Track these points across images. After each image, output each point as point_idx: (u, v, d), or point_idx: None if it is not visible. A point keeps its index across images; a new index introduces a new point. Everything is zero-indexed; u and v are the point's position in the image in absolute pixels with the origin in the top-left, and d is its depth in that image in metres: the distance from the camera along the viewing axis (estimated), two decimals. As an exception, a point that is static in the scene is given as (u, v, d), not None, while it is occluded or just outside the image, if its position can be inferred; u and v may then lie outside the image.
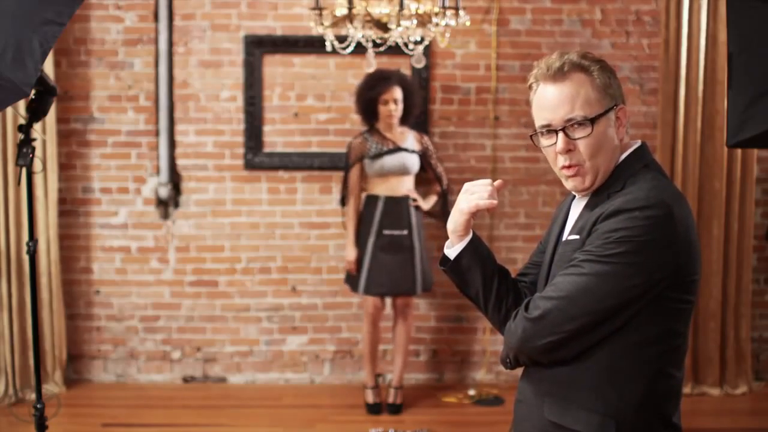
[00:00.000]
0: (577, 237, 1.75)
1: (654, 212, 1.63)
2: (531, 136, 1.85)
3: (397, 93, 4.52)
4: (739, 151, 4.83)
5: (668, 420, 1.72)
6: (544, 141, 1.82)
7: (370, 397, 4.66)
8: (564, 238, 1.81)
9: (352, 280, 4.63)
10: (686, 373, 4.92)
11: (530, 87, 1.86)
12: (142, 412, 4.61)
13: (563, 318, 1.65)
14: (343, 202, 4.70)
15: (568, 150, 1.77)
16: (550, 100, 1.79)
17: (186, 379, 5.12)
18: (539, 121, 1.84)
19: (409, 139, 4.61)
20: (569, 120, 1.76)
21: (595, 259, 1.64)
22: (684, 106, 4.82)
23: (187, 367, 5.12)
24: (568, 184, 1.81)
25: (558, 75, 1.78)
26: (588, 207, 1.78)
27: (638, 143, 1.82)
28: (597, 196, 1.78)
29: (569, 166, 1.77)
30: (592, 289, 1.63)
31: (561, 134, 1.77)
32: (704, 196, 4.89)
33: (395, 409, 4.62)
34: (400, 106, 4.54)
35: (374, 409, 4.63)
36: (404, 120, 4.60)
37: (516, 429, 1.89)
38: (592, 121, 1.73)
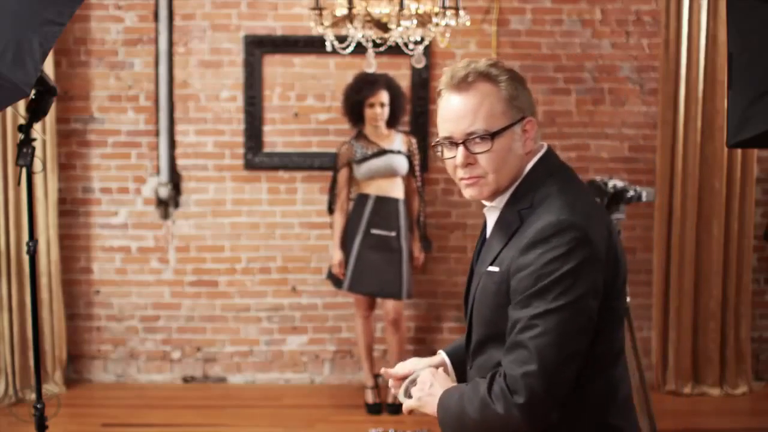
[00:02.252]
0: (497, 270, 1.71)
1: (571, 235, 1.61)
2: (432, 146, 1.79)
3: (384, 96, 4.53)
4: (739, 151, 4.83)
5: (603, 421, 1.72)
6: (446, 153, 1.74)
7: (369, 397, 4.66)
8: (485, 269, 1.75)
9: (334, 277, 4.64)
10: (686, 372, 4.93)
11: (438, 94, 1.77)
12: (142, 412, 4.61)
13: (553, 383, 1.59)
14: (331, 208, 4.71)
15: (468, 164, 1.72)
16: (453, 111, 1.72)
17: (186, 379, 5.11)
18: (441, 132, 1.75)
19: (397, 141, 4.61)
20: (470, 134, 1.70)
21: (543, 311, 1.58)
22: (684, 106, 4.82)
23: (187, 367, 5.12)
24: (466, 193, 1.76)
25: (462, 84, 1.72)
26: (500, 226, 1.74)
27: (542, 150, 1.79)
28: (508, 211, 1.74)
29: (468, 178, 1.73)
30: (560, 341, 1.58)
31: (461, 148, 1.71)
32: (704, 195, 4.89)
33: (395, 409, 4.62)
34: (387, 109, 4.56)
35: (374, 409, 4.63)
36: (391, 122, 4.61)
37: None
38: (494, 135, 1.69)
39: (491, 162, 1.70)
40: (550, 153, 1.80)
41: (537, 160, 1.76)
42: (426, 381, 1.77)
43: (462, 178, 1.73)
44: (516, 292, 1.63)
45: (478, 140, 1.70)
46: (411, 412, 1.84)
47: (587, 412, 1.71)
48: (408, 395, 1.90)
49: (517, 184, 1.75)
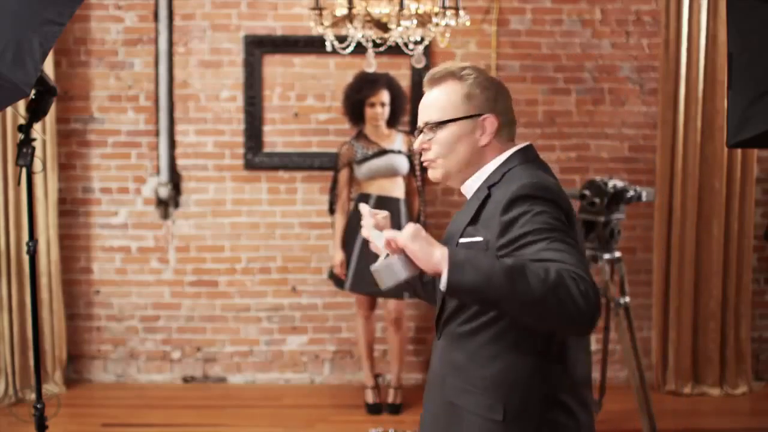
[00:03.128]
0: (480, 239, 1.78)
1: (549, 194, 1.75)
2: (415, 134, 1.98)
3: (384, 96, 4.53)
4: (739, 151, 4.83)
5: (554, 398, 1.77)
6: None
7: (369, 397, 4.66)
8: (455, 241, 1.83)
9: (336, 277, 4.63)
10: (686, 372, 4.93)
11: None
12: (142, 412, 4.61)
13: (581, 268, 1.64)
14: (332, 209, 4.71)
15: (423, 149, 1.94)
16: (422, 103, 1.96)
17: (186, 379, 5.12)
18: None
19: (398, 140, 4.61)
20: (426, 123, 1.92)
21: (547, 246, 1.66)
22: (684, 106, 4.82)
23: (187, 367, 5.12)
24: (429, 173, 1.98)
25: (433, 81, 1.93)
26: (470, 202, 1.87)
27: (520, 146, 1.93)
28: (479, 191, 1.88)
29: (425, 160, 1.95)
30: (574, 257, 1.66)
31: (420, 134, 1.94)
32: (704, 195, 4.89)
33: (395, 409, 4.62)
34: (387, 109, 4.56)
35: (374, 409, 4.63)
36: (391, 122, 4.61)
37: (423, 407, 1.97)
38: (440, 124, 1.88)
39: (438, 148, 1.90)
40: (525, 150, 1.93)
41: (512, 154, 1.91)
42: (418, 228, 1.68)
43: (422, 161, 1.97)
44: (511, 241, 1.70)
45: (428, 129, 1.92)
46: (392, 247, 1.69)
47: (542, 384, 1.77)
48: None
49: (491, 171, 1.90)
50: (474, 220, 1.82)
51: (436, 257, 1.64)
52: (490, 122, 1.89)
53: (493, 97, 1.90)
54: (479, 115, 1.89)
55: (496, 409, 1.75)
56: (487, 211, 1.81)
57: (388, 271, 1.70)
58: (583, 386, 1.86)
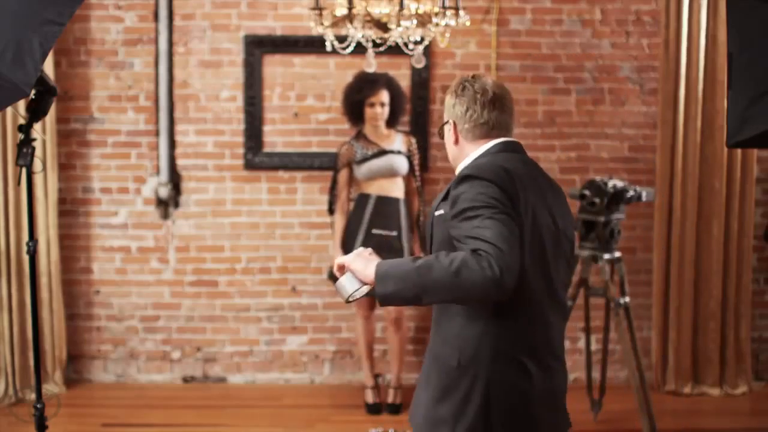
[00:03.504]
0: (443, 212, 2.14)
1: (487, 167, 2.12)
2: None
3: (384, 96, 4.53)
4: (739, 151, 4.83)
5: (506, 354, 2.09)
6: None
7: (369, 397, 4.66)
8: (435, 214, 2.20)
9: (336, 277, 4.62)
10: (686, 372, 4.93)
11: None
12: (142, 412, 4.61)
13: (506, 253, 1.95)
14: (331, 209, 4.71)
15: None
16: None
17: (186, 379, 5.12)
18: None
19: (397, 141, 4.61)
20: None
21: (479, 224, 1.99)
22: (684, 106, 4.82)
23: (187, 367, 5.12)
24: None
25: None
26: (449, 185, 2.20)
27: (496, 141, 2.25)
28: (456, 176, 2.23)
29: None
30: (500, 229, 1.98)
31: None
32: (704, 195, 4.89)
33: (395, 409, 4.62)
34: (387, 109, 4.56)
35: (374, 409, 4.63)
36: (391, 122, 4.61)
37: None
38: (441, 127, 2.36)
39: (446, 143, 2.37)
40: (501, 143, 2.26)
41: (488, 147, 2.25)
42: (364, 251, 2.13)
43: None
44: (456, 215, 2.05)
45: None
46: (341, 269, 2.14)
47: (493, 342, 2.09)
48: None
49: (468, 162, 2.27)
50: (445, 197, 2.16)
51: (369, 273, 2.04)
52: (452, 126, 2.30)
53: (462, 107, 2.26)
54: (449, 121, 2.32)
55: (454, 357, 2.10)
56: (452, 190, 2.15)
57: (340, 286, 2.11)
58: (547, 354, 2.16)
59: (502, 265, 1.90)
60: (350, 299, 2.10)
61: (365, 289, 2.07)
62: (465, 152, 2.28)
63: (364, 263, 2.07)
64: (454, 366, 2.10)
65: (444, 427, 2.09)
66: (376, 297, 2.02)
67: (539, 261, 2.12)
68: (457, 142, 2.29)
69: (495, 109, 2.25)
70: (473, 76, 2.29)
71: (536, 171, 2.25)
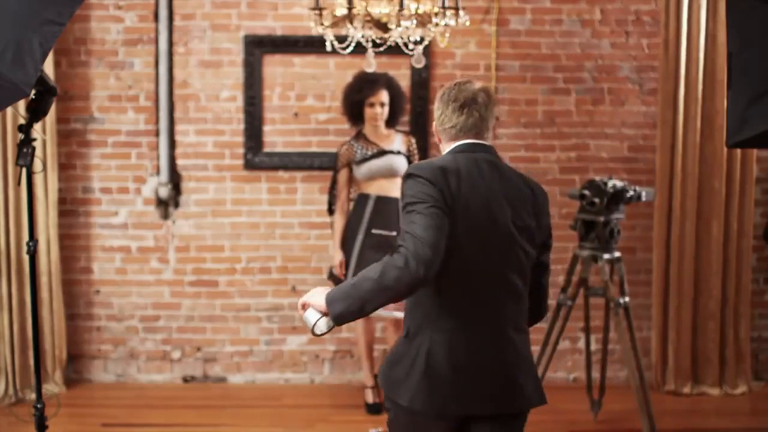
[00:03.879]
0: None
1: (425, 165, 2.41)
2: None
3: (384, 96, 4.53)
4: (738, 151, 4.83)
5: (445, 327, 2.40)
6: None
7: (369, 397, 4.67)
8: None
9: (336, 277, 4.64)
10: (685, 372, 4.93)
11: None
12: (142, 412, 4.62)
13: (424, 246, 2.25)
14: (331, 209, 4.71)
15: None
16: None
17: (186, 379, 5.12)
18: None
19: (397, 141, 4.61)
20: None
21: (411, 220, 2.31)
22: (683, 106, 4.83)
23: (187, 367, 5.12)
24: None
25: None
26: None
27: (460, 142, 2.50)
28: None
29: None
30: (425, 224, 2.28)
31: None
32: (704, 195, 4.89)
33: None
34: (386, 109, 4.56)
35: (374, 408, 4.63)
36: (390, 122, 4.62)
37: None
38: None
39: None
40: (461, 144, 2.51)
41: (453, 147, 2.52)
42: (320, 288, 2.39)
43: None
44: (401, 209, 2.38)
45: None
46: (304, 306, 2.37)
47: (432, 317, 2.41)
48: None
49: None
50: None
51: (321, 301, 2.31)
52: (434, 127, 2.60)
53: (442, 112, 2.54)
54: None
55: (406, 329, 2.46)
56: None
57: (305, 320, 2.36)
58: (489, 328, 2.45)
59: (417, 258, 2.21)
60: (316, 331, 2.35)
61: (325, 319, 2.33)
62: (443, 151, 2.56)
63: (318, 296, 2.33)
64: (405, 335, 2.46)
65: (397, 387, 2.43)
66: (332, 321, 2.32)
67: (479, 246, 2.39)
68: (440, 141, 2.59)
69: (463, 114, 2.49)
70: (457, 83, 2.53)
71: (489, 169, 2.46)
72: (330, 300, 2.29)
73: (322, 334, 2.36)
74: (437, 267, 2.25)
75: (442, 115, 2.54)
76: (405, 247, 2.24)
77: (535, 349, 4.44)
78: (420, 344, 2.41)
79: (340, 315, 2.29)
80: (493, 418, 2.48)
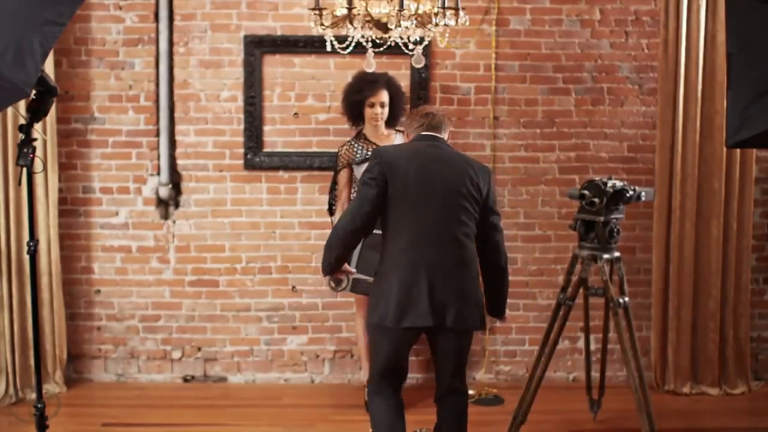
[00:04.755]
0: None
1: (378, 150, 3.39)
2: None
3: (384, 96, 4.53)
4: (738, 151, 4.84)
5: (394, 268, 3.29)
6: None
7: (369, 397, 4.68)
8: None
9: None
10: (685, 372, 4.94)
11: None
12: (143, 411, 4.62)
13: (350, 215, 3.32)
14: (331, 210, 4.71)
15: None
16: None
17: (186, 379, 5.12)
18: None
19: (397, 140, 4.61)
20: None
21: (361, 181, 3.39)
22: (683, 106, 4.83)
23: (188, 366, 5.13)
24: None
25: None
26: None
27: (415, 135, 3.47)
28: None
29: None
30: (358, 197, 3.35)
31: None
32: (703, 195, 4.90)
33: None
34: (386, 109, 4.56)
35: (374, 408, 4.64)
36: (390, 122, 4.62)
37: None
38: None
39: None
40: (418, 136, 3.46)
41: (411, 139, 3.50)
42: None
43: None
44: None
45: None
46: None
47: (390, 260, 3.29)
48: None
49: None
50: None
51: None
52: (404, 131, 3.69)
53: (410, 122, 3.53)
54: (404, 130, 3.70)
55: (375, 272, 3.39)
56: None
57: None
58: (428, 266, 3.24)
59: (341, 223, 3.30)
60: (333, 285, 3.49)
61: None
62: None
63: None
64: (375, 275, 3.38)
65: (370, 313, 3.35)
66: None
67: (415, 204, 3.24)
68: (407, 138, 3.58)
69: (426, 119, 3.47)
70: (419, 108, 3.67)
71: (432, 150, 3.36)
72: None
73: (338, 288, 3.49)
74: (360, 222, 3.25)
75: (412, 122, 3.50)
76: (338, 222, 3.37)
77: (535, 348, 4.45)
78: (380, 278, 3.30)
79: (323, 270, 3.37)
80: (440, 331, 3.34)
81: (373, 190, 3.23)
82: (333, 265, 3.32)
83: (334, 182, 4.68)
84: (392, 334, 3.31)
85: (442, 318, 3.27)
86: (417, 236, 3.24)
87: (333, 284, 3.45)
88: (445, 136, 3.45)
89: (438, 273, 3.24)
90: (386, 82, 4.58)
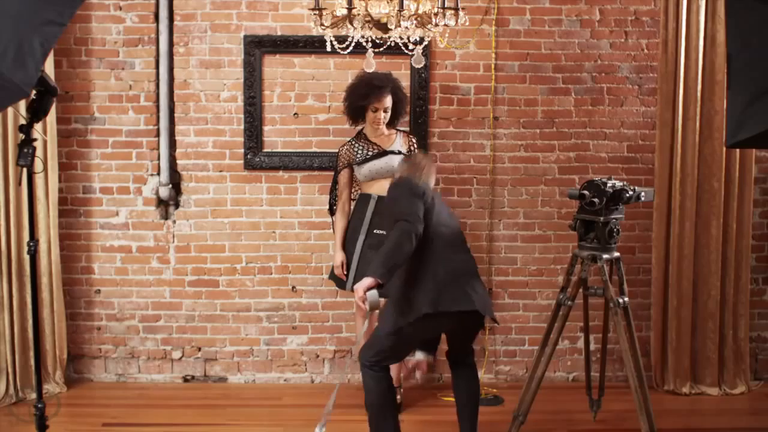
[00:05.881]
0: None
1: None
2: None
3: (389, 102, 4.52)
4: (737, 151, 4.84)
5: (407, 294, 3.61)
6: None
7: (369, 397, 4.68)
8: None
9: (337, 278, 4.63)
10: (684, 372, 4.94)
11: None
12: (143, 411, 4.62)
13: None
14: (332, 210, 4.71)
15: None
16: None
17: (186, 379, 5.13)
18: None
19: (397, 140, 4.61)
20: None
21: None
22: (682, 106, 4.83)
23: (188, 366, 5.13)
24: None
25: None
26: None
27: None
28: None
29: None
30: None
31: None
32: (703, 195, 4.90)
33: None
34: (389, 113, 4.56)
35: (374, 408, 4.64)
36: (391, 123, 4.62)
37: None
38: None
39: None
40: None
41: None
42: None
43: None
44: None
45: None
46: (362, 299, 3.40)
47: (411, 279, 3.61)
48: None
49: None
50: None
51: (370, 279, 3.44)
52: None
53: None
54: None
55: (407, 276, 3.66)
56: None
57: (372, 302, 3.38)
58: (428, 284, 3.59)
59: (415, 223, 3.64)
60: (371, 300, 3.38)
61: (374, 291, 3.36)
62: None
63: (364, 280, 3.43)
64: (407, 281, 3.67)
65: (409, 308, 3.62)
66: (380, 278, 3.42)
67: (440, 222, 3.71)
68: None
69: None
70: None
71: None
72: (372, 271, 3.41)
73: (375, 307, 3.38)
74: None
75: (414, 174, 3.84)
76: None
77: (535, 348, 4.45)
78: (422, 277, 3.58)
79: (383, 273, 3.40)
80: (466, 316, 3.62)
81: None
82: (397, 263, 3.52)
83: (335, 182, 4.68)
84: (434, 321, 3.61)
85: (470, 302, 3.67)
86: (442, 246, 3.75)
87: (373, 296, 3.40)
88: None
89: (464, 273, 3.75)
90: (392, 86, 4.55)
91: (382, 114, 4.52)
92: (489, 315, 3.69)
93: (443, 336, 3.97)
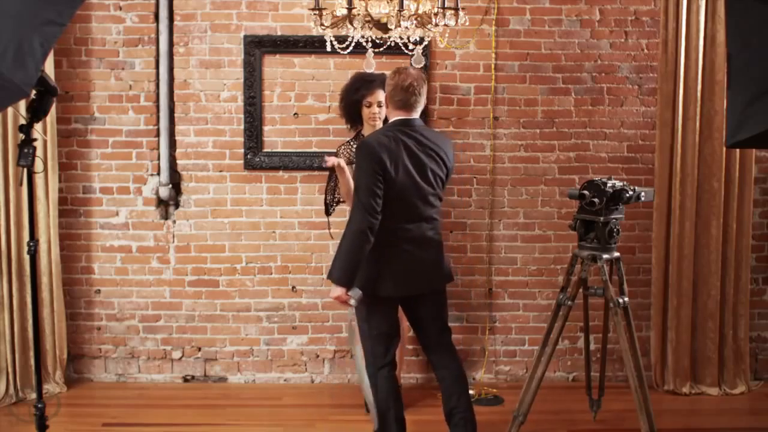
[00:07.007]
0: None
1: (365, 142, 3.62)
2: None
3: (381, 95, 4.53)
4: (737, 151, 4.84)
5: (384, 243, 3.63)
6: None
7: (369, 397, 4.68)
8: None
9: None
10: (684, 372, 4.94)
11: None
12: (143, 411, 4.62)
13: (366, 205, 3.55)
14: (327, 211, 4.71)
15: None
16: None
17: (186, 379, 5.13)
18: None
19: None
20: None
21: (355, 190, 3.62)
22: (682, 106, 4.83)
23: (188, 366, 5.13)
24: None
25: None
26: None
27: (397, 118, 3.67)
28: None
29: None
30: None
31: None
32: (703, 195, 4.90)
33: (395, 409, 4.64)
34: (384, 109, 4.56)
35: (374, 408, 4.65)
36: (388, 122, 4.61)
37: None
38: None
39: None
40: (396, 120, 3.67)
41: (391, 121, 3.68)
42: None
43: None
44: None
45: None
46: (339, 299, 3.64)
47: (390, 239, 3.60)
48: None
49: None
50: None
51: (334, 284, 3.60)
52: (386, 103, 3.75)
53: (391, 92, 3.65)
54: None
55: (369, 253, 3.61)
56: None
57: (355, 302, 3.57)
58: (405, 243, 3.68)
59: (356, 222, 3.58)
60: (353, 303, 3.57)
61: (352, 290, 3.53)
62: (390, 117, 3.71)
63: (333, 288, 3.61)
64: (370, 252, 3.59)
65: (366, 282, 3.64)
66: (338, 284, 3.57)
67: (404, 195, 3.62)
68: (388, 112, 3.72)
69: (402, 100, 3.63)
70: (401, 75, 3.63)
71: (406, 138, 3.60)
72: (330, 275, 3.54)
73: (356, 303, 3.52)
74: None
75: (394, 94, 3.62)
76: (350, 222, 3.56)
77: (535, 348, 4.45)
78: (381, 256, 3.59)
79: (338, 277, 3.52)
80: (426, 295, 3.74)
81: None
82: (353, 265, 3.57)
83: (329, 185, 4.67)
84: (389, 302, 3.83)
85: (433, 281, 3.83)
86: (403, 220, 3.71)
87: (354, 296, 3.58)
88: (419, 110, 3.67)
89: (424, 248, 3.77)
90: (383, 82, 4.57)
91: (376, 108, 4.52)
92: (443, 284, 3.80)
93: (414, 326, 3.92)
